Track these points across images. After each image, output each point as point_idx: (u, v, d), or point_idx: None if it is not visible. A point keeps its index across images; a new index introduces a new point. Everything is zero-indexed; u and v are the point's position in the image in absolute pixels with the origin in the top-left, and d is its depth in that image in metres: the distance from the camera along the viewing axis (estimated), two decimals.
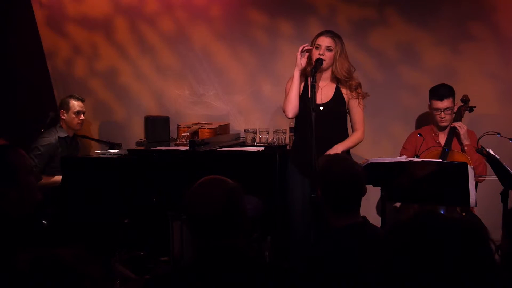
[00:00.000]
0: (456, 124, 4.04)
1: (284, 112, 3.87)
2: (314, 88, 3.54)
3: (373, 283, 1.28)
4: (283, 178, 3.96)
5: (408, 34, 4.67)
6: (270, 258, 3.88)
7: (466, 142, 4.02)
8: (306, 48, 3.72)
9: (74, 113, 4.72)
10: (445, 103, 4.05)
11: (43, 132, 4.67)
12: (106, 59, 5.25)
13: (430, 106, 4.15)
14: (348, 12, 4.77)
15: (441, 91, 4.08)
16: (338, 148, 3.73)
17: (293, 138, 4.15)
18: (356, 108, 3.85)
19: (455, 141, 4.09)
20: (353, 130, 3.91)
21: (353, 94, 3.82)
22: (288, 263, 3.80)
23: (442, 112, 4.07)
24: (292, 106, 3.79)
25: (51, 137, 4.61)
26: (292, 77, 3.84)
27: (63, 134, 4.68)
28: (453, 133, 4.08)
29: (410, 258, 1.23)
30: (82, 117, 4.77)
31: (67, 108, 4.72)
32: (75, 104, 4.72)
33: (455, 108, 4.13)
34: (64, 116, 4.71)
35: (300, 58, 3.72)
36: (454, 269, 1.20)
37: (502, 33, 4.53)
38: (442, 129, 4.17)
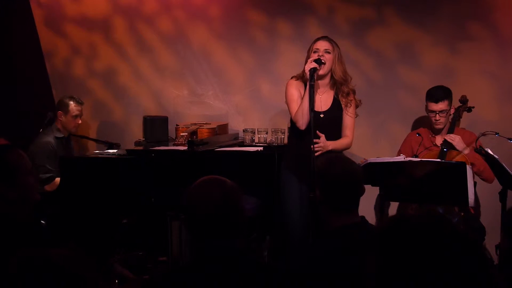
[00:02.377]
0: (447, 137, 3.97)
1: (296, 123, 3.75)
2: (312, 88, 3.54)
3: (372, 284, 1.28)
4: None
5: (407, 34, 4.67)
6: (269, 258, 3.89)
7: (466, 151, 3.91)
8: (314, 66, 3.62)
9: (72, 116, 4.70)
10: (440, 106, 4.02)
11: (40, 134, 4.65)
12: (104, 59, 5.24)
13: (426, 108, 4.14)
14: (346, 12, 4.77)
15: (436, 93, 4.04)
16: (327, 144, 3.69)
17: (290, 138, 4.11)
18: (345, 114, 3.84)
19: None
20: (341, 136, 3.86)
21: (342, 100, 3.82)
22: (286, 263, 3.80)
23: (437, 115, 4.04)
24: (306, 120, 3.67)
25: (48, 137, 4.60)
26: (294, 83, 3.84)
27: (59, 135, 4.67)
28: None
29: (406, 257, 1.23)
30: (79, 121, 4.76)
31: (66, 110, 4.69)
32: (74, 108, 4.70)
33: (453, 109, 4.11)
34: (62, 118, 4.69)
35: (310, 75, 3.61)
36: (451, 271, 1.21)
37: (501, 33, 4.53)
38: (437, 132, 4.15)
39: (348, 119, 3.84)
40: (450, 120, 4.11)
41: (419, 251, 1.22)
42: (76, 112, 4.71)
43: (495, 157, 3.39)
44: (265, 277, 1.96)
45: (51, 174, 4.45)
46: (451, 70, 4.61)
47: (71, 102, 4.70)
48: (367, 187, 2.59)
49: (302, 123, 3.71)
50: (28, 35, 5.19)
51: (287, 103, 3.87)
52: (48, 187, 4.42)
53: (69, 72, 5.31)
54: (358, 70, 4.56)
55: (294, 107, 3.79)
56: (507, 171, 3.39)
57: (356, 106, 3.89)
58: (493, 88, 4.56)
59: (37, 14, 5.24)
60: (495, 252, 3.67)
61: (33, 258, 1.40)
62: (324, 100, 3.83)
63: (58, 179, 4.42)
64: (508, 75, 4.53)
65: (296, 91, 3.83)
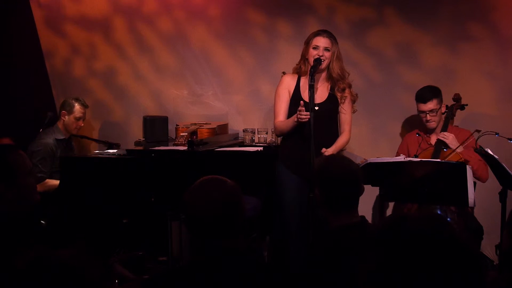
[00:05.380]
0: (440, 136, 3.99)
1: (274, 129, 3.97)
2: (312, 88, 3.53)
3: (372, 283, 1.29)
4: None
5: (407, 34, 4.67)
6: (269, 258, 3.89)
7: (459, 150, 3.89)
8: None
9: (75, 118, 4.70)
10: (429, 105, 4.04)
11: (40, 134, 4.65)
12: (104, 59, 5.24)
13: (417, 109, 4.15)
14: (346, 12, 4.76)
15: (423, 94, 4.08)
16: (328, 152, 3.70)
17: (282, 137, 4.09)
18: (341, 110, 3.87)
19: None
20: (340, 131, 3.89)
21: (338, 94, 3.85)
22: (286, 263, 3.80)
23: (427, 115, 4.07)
24: (284, 134, 3.87)
25: (48, 139, 4.59)
26: (285, 82, 3.89)
27: (60, 136, 4.66)
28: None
29: (402, 257, 1.24)
30: (82, 123, 4.76)
31: (70, 110, 4.69)
32: (78, 109, 4.71)
33: (444, 108, 4.11)
34: (65, 118, 4.69)
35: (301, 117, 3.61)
36: (446, 271, 1.22)
37: (501, 33, 4.53)
38: (431, 131, 4.16)
39: (343, 115, 3.88)
40: (443, 118, 4.12)
41: (415, 251, 1.23)
42: (80, 114, 4.71)
43: (495, 157, 3.39)
44: (265, 277, 1.96)
45: (41, 175, 4.44)
46: (451, 70, 4.61)
47: (76, 104, 4.71)
48: (367, 187, 2.59)
49: (279, 134, 3.96)
50: (28, 35, 5.19)
51: (274, 99, 3.92)
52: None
53: (69, 72, 5.31)
54: (358, 70, 4.56)
55: (278, 109, 3.87)
56: (507, 171, 3.39)
57: (353, 101, 3.90)
58: (493, 88, 4.56)
59: (37, 14, 5.24)
60: (495, 252, 3.68)
61: (44, 258, 1.41)
62: (319, 93, 3.83)
63: (49, 181, 4.43)
64: (508, 75, 4.53)
65: (285, 91, 3.88)
